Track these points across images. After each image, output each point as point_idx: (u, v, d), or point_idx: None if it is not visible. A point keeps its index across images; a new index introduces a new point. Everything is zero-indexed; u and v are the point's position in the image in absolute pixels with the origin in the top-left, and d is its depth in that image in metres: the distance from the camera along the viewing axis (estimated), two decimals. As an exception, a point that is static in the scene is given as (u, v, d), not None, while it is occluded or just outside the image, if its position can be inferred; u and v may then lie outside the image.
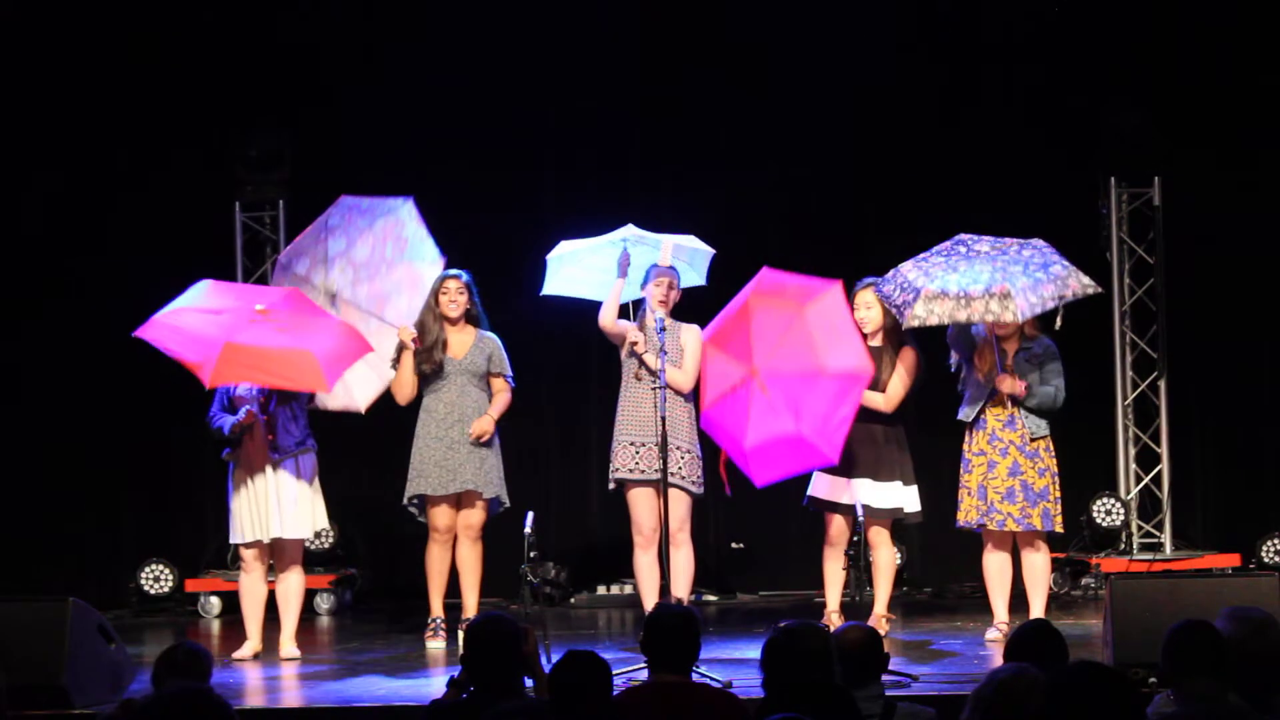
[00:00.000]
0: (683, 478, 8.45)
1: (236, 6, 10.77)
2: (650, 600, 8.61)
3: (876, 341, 8.57)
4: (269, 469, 8.31)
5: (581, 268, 8.81)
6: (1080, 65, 10.63)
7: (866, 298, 8.55)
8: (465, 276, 8.74)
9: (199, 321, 8.07)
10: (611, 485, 8.57)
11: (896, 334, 8.53)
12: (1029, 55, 10.74)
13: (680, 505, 8.51)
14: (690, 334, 8.40)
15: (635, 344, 8.45)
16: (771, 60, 10.85)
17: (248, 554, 8.43)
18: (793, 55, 10.84)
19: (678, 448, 8.45)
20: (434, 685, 7.30)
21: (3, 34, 10.65)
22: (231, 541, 8.63)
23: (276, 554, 8.45)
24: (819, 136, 10.77)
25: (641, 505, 8.50)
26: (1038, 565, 8.49)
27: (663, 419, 8.18)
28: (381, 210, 8.69)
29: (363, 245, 8.69)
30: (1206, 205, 10.69)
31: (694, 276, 8.81)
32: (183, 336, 8.03)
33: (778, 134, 10.85)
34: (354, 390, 8.65)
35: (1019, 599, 8.67)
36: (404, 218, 8.67)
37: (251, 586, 8.47)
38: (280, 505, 8.30)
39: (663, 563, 8.35)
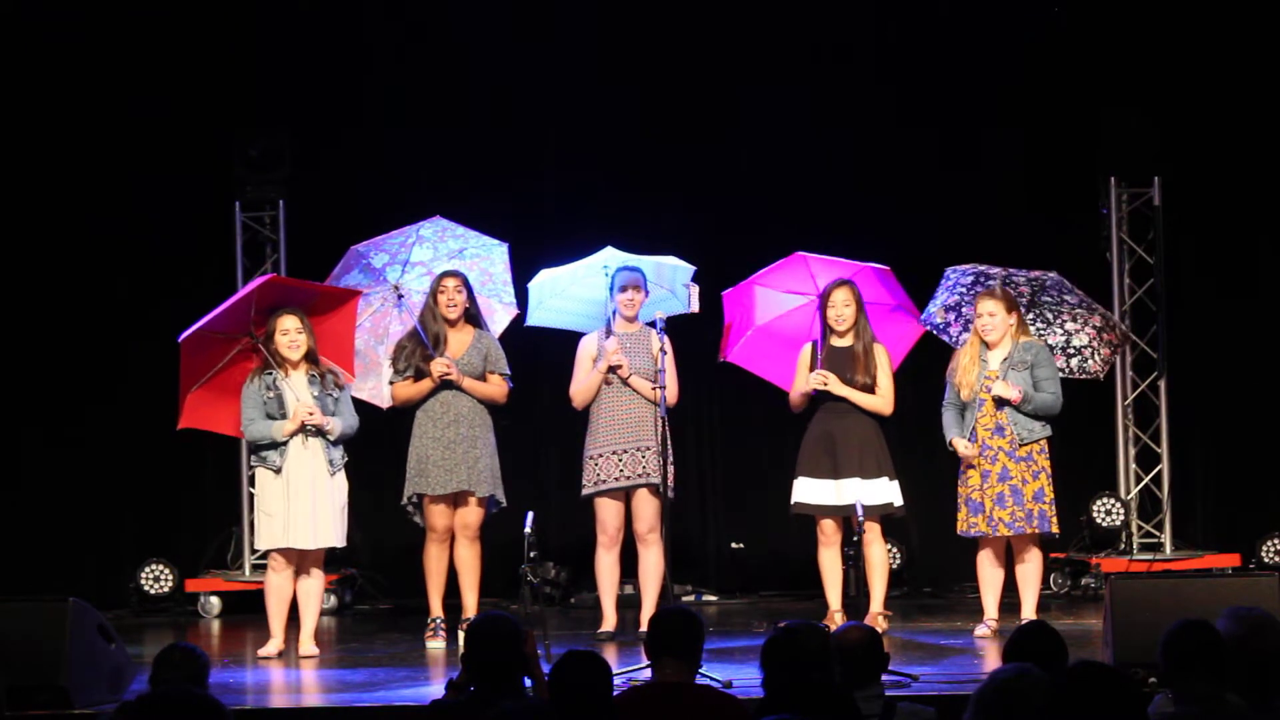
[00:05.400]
0: (657, 479, 8.57)
1: (237, 6, 10.77)
2: (608, 598, 8.78)
3: (847, 340, 8.65)
4: (312, 479, 8.35)
5: (565, 298, 9.03)
6: (1080, 65, 10.63)
7: (844, 295, 8.62)
8: (463, 275, 8.78)
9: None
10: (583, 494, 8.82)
11: (866, 332, 8.66)
12: (1029, 55, 10.73)
13: (650, 507, 8.61)
14: (667, 344, 8.47)
15: (619, 368, 8.62)
16: (771, 56, 10.85)
17: (278, 553, 8.44)
18: (791, 50, 10.84)
19: (648, 449, 8.57)
20: (434, 685, 7.31)
21: (5, 32, 10.66)
22: (263, 546, 8.64)
23: (301, 555, 8.47)
24: (818, 134, 10.77)
25: (608, 510, 8.77)
26: (1030, 567, 8.62)
27: (663, 419, 8.33)
28: (476, 242, 9.00)
29: (447, 264, 8.93)
30: (1206, 205, 10.69)
31: (677, 304, 8.90)
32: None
33: (775, 130, 10.85)
34: (384, 385, 8.92)
35: (1010, 598, 8.73)
36: (496, 258, 9.04)
37: (279, 585, 8.47)
38: (325, 515, 8.37)
39: (667, 561, 8.44)
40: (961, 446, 8.52)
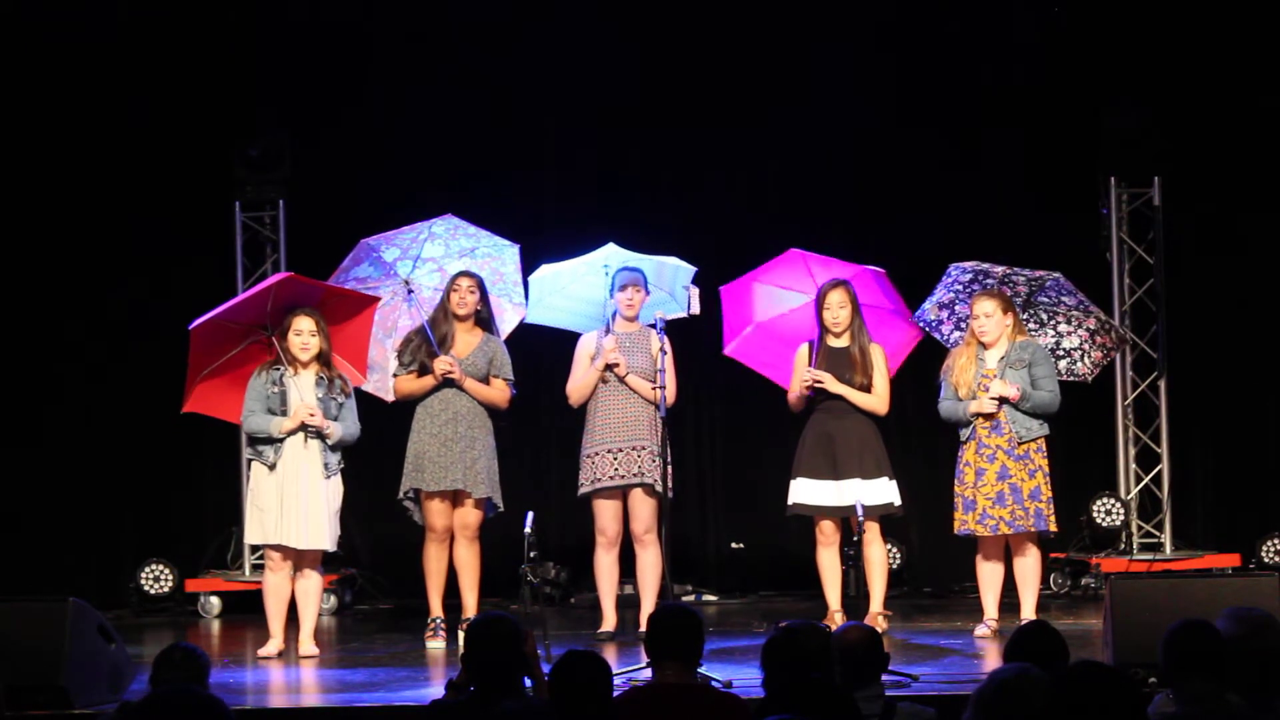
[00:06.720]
0: (652, 478, 8.58)
1: (238, 6, 10.77)
2: (608, 598, 8.80)
3: (843, 341, 8.66)
4: (306, 480, 8.34)
5: (564, 296, 9.03)
6: (1080, 65, 10.63)
7: (839, 297, 8.63)
8: (479, 278, 8.79)
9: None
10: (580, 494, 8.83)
11: (862, 333, 8.67)
12: (1029, 55, 10.73)
13: (647, 507, 8.62)
14: (666, 345, 8.48)
15: (616, 366, 8.62)
16: (771, 55, 10.85)
17: (274, 553, 8.44)
18: (791, 50, 10.84)
19: (644, 449, 8.57)
20: (434, 685, 7.31)
21: (5, 32, 10.66)
22: (251, 541, 8.64)
23: (299, 554, 8.47)
24: (818, 134, 10.77)
25: (606, 512, 8.79)
26: (1028, 566, 8.61)
27: (662, 420, 8.34)
28: (488, 242, 9.02)
29: (459, 263, 8.94)
30: (1206, 205, 10.69)
31: (676, 306, 8.91)
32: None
33: (776, 130, 10.85)
34: (389, 378, 8.92)
35: (1011, 598, 8.73)
36: (507, 258, 9.05)
37: (277, 585, 8.47)
38: (318, 517, 8.35)
39: (666, 562, 8.44)
40: (982, 403, 8.46)
